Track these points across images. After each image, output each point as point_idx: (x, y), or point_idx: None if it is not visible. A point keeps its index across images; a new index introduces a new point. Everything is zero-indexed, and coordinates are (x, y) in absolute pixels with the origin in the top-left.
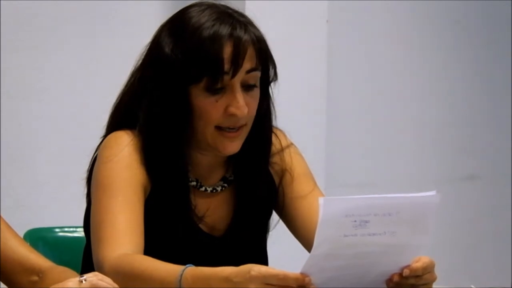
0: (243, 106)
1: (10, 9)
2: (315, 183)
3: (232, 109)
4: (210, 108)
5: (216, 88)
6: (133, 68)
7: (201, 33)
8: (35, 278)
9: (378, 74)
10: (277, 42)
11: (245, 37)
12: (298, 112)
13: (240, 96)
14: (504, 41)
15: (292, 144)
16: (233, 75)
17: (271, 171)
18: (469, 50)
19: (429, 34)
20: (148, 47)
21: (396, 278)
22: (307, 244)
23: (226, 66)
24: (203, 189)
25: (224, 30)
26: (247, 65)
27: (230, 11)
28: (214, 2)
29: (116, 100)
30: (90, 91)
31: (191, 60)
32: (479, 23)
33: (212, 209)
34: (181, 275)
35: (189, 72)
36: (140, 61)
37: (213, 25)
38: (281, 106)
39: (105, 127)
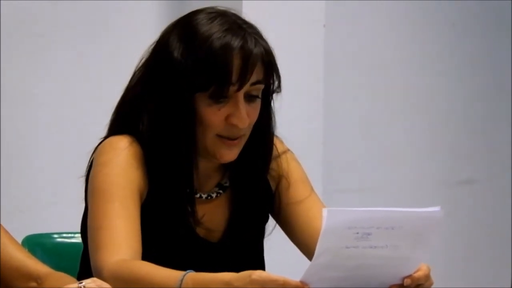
0: (245, 117)
1: (9, 12)
2: (312, 189)
3: (234, 120)
4: (211, 116)
5: (220, 97)
6: (136, 68)
7: (213, 42)
8: (33, 284)
9: (374, 79)
10: (273, 46)
11: (255, 50)
12: (295, 117)
13: (243, 108)
14: (501, 43)
15: (288, 150)
16: (239, 88)
17: (268, 177)
18: (466, 53)
19: (425, 37)
20: (153, 49)
21: None
22: (305, 249)
23: (234, 78)
24: (198, 195)
25: (236, 42)
26: (253, 77)
27: (240, 21)
28: (224, 10)
29: (120, 100)
30: (89, 95)
31: (200, 68)
32: (475, 26)
33: (208, 215)
34: (182, 280)
35: (198, 79)
36: (144, 61)
37: (224, 36)
38: (278, 110)
39: (107, 126)
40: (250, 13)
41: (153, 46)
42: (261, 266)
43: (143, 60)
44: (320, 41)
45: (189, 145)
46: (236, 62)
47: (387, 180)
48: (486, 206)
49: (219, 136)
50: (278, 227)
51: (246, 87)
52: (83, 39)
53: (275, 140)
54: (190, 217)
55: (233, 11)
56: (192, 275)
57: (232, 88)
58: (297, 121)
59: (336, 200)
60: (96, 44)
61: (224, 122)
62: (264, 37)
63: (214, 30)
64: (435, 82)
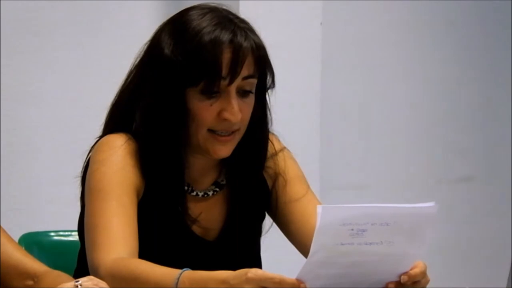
0: (237, 112)
1: (9, 12)
2: (308, 186)
3: (226, 114)
4: (203, 111)
5: (212, 92)
6: (131, 67)
7: (202, 37)
8: (30, 282)
9: (372, 76)
10: (270, 44)
11: (245, 44)
12: (292, 115)
13: (235, 102)
14: (499, 41)
15: (285, 148)
16: (230, 82)
17: (265, 175)
18: (464, 52)
19: (423, 35)
20: (147, 47)
21: (391, 286)
22: (301, 247)
23: (224, 72)
24: (194, 193)
25: (225, 36)
26: (244, 71)
27: (231, 16)
28: (216, 6)
29: (114, 99)
30: (88, 95)
31: (190, 63)
32: (474, 24)
33: (205, 213)
34: (178, 278)
35: (188, 75)
36: (139, 60)
37: (214, 30)
38: (275, 108)
39: (102, 125)
40: (247, 11)
41: (146, 44)
42: (258, 265)
43: (137, 59)
44: (318, 39)
45: (180, 141)
46: (226, 56)
47: (385, 178)
48: (485, 204)
49: (211, 131)
50: (275, 226)
51: (238, 82)
52: (83, 39)
53: (272, 138)
54: (185, 215)
55: (225, 7)
56: (188, 273)
57: (223, 83)
58: (295, 119)
59: (334, 197)
60: (95, 44)
61: (217, 117)
62: (256, 32)
63: (204, 25)
64: (434, 81)
